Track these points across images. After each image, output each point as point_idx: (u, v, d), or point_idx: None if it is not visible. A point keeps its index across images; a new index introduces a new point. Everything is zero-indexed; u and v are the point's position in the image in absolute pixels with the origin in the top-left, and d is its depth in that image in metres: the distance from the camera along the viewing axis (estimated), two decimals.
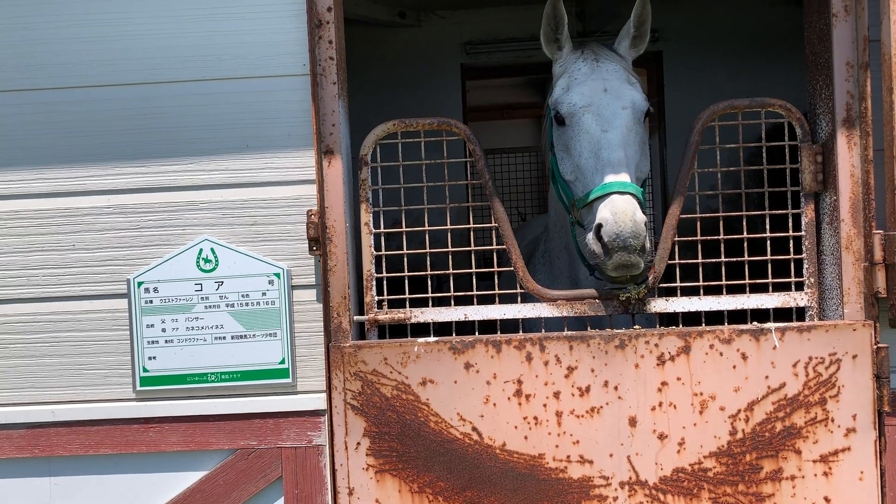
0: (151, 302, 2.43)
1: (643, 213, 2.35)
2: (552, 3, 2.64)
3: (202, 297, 2.43)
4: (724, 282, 2.48)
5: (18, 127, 2.45)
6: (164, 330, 2.43)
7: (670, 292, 2.55)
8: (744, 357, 2.37)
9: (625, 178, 2.40)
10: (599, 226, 2.33)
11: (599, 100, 2.55)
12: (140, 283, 2.43)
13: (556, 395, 2.40)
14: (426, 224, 2.56)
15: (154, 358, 2.44)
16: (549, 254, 3.09)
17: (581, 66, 2.67)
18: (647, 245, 2.34)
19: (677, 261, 2.50)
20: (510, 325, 2.62)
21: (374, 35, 5.13)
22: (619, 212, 2.30)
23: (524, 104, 7.54)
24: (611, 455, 2.39)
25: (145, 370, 2.44)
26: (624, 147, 2.47)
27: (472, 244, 2.59)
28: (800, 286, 2.51)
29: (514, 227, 5.30)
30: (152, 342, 2.44)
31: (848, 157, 2.38)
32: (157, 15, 2.43)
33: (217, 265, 2.43)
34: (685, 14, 5.00)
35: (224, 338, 2.43)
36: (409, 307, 2.53)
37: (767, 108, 2.50)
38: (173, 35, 2.43)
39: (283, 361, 2.43)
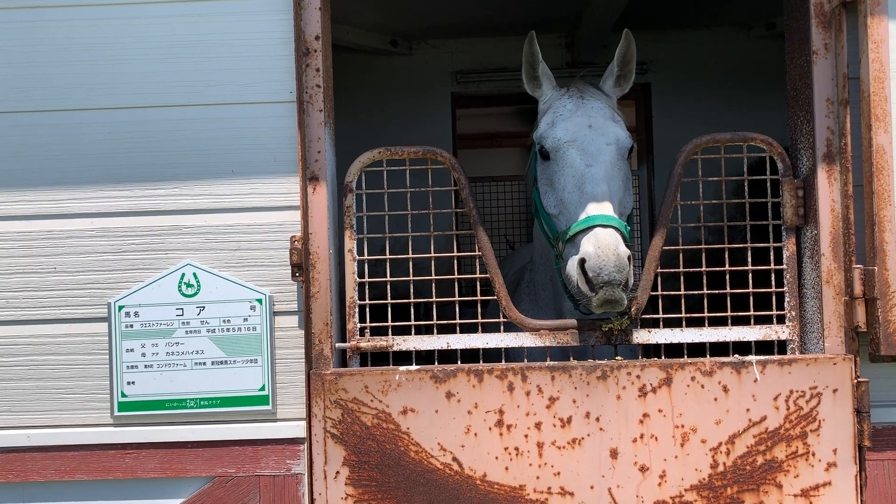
0: (132, 326, 2.42)
1: (627, 246, 2.36)
2: (528, 41, 2.67)
3: (183, 322, 2.42)
4: (706, 314, 2.49)
5: (2, 149, 2.44)
6: (143, 355, 2.41)
7: (653, 323, 2.56)
8: (725, 389, 2.37)
9: (608, 211, 2.41)
10: (583, 260, 2.33)
11: (584, 135, 2.57)
12: (121, 307, 2.42)
13: (538, 425, 2.38)
14: (410, 251, 2.56)
15: (133, 383, 2.41)
16: (533, 285, 3.09)
17: (566, 102, 2.70)
18: (631, 279, 2.34)
19: (660, 292, 2.51)
20: (493, 354, 2.62)
21: (366, 62, 5.18)
22: (603, 245, 2.30)
23: (513, 133, 7.60)
24: (592, 487, 2.37)
25: (124, 395, 2.41)
26: (608, 182, 2.48)
27: (457, 272, 2.59)
28: (781, 319, 2.51)
29: (502, 255, 5.34)
30: (132, 367, 2.42)
31: (828, 192, 2.40)
32: (144, 40, 2.44)
33: (199, 290, 2.42)
34: (673, 46, 5.07)
35: (204, 363, 2.42)
36: (392, 335, 2.53)
37: (749, 142, 2.52)
38: (160, 60, 2.44)
39: (263, 388, 2.41)
